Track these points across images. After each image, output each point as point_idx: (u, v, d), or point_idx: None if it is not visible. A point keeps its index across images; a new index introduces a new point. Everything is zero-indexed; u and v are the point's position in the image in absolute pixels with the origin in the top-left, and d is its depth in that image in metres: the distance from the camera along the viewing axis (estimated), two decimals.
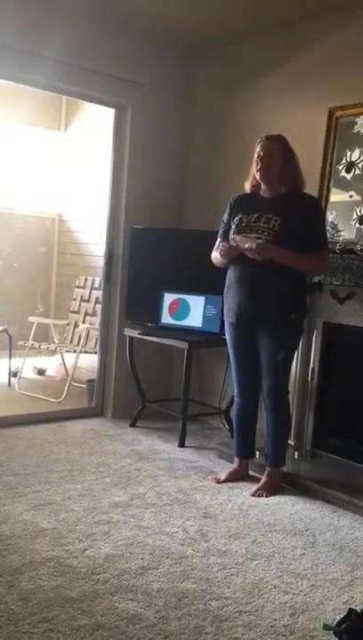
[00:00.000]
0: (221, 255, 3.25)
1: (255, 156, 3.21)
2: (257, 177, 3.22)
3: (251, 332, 3.26)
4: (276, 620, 2.14)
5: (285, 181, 3.20)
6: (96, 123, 5.81)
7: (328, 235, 3.69)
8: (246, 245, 3.08)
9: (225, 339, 3.64)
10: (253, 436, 3.48)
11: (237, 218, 3.24)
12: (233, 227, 3.23)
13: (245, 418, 3.45)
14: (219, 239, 3.36)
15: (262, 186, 3.24)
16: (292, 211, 3.13)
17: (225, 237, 3.29)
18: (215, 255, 3.35)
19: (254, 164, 3.21)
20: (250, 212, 3.20)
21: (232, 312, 3.27)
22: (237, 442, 3.50)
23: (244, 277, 3.19)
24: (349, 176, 3.68)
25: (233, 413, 3.56)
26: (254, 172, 3.22)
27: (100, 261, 4.83)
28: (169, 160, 4.61)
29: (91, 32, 4.07)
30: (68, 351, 5.18)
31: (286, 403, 3.35)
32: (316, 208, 3.27)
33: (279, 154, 3.17)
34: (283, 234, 3.08)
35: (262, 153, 3.18)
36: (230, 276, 3.28)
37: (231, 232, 3.24)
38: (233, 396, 4.19)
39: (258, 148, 3.20)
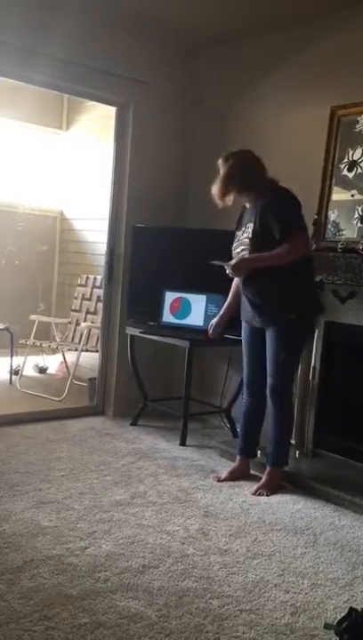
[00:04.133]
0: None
1: None
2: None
3: (260, 330, 3.30)
4: (277, 618, 2.14)
5: (247, 191, 3.22)
6: (98, 121, 5.82)
7: (330, 233, 3.71)
8: (227, 272, 3.23)
9: (226, 337, 3.66)
10: (257, 436, 3.49)
11: (236, 235, 3.34)
12: (233, 245, 3.34)
13: (251, 416, 3.46)
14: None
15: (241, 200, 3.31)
16: (258, 213, 3.17)
17: None
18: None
19: None
20: (241, 226, 3.31)
21: (243, 312, 3.38)
22: (241, 439, 3.51)
23: (244, 286, 3.30)
24: (351, 175, 3.67)
25: (240, 411, 3.57)
26: None
27: (101, 260, 4.83)
28: (171, 159, 4.61)
29: (93, 30, 4.07)
30: (69, 349, 5.18)
31: (288, 403, 3.35)
32: (275, 200, 3.17)
33: (222, 173, 3.22)
34: (256, 239, 3.15)
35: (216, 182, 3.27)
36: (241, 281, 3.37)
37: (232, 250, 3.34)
38: (235, 395, 4.21)
39: None
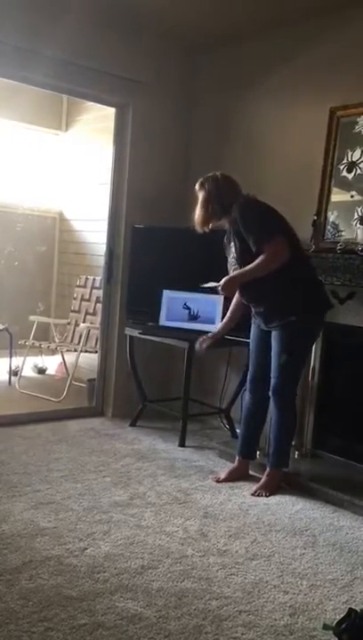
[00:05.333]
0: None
1: None
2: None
3: (267, 332, 3.33)
4: (276, 619, 2.14)
5: (226, 214, 3.25)
6: (97, 122, 5.81)
7: (329, 234, 3.71)
8: (219, 292, 3.31)
9: (226, 338, 3.66)
10: (257, 437, 3.49)
11: (228, 259, 3.38)
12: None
13: (252, 416, 3.46)
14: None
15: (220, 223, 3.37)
16: (234, 230, 3.23)
17: None
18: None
19: None
20: (228, 248, 3.37)
21: (252, 313, 3.42)
22: (241, 440, 3.51)
23: (242, 297, 3.37)
24: (350, 176, 3.67)
25: (242, 409, 3.57)
26: None
27: (100, 260, 4.83)
28: (170, 159, 4.61)
29: (92, 31, 4.07)
30: (68, 350, 5.18)
31: (291, 405, 3.33)
32: (239, 215, 3.19)
33: (203, 205, 3.29)
34: (242, 254, 3.19)
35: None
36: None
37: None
38: (235, 396, 4.21)
39: None
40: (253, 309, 3.36)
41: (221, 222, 3.32)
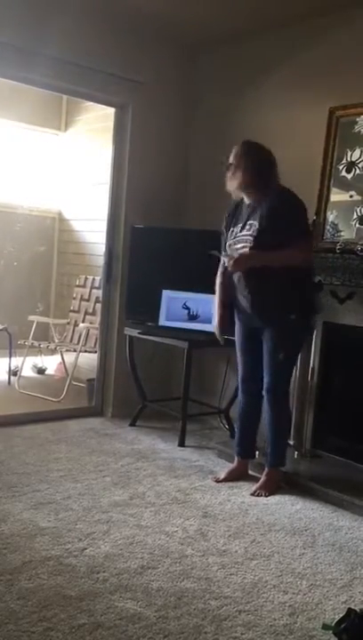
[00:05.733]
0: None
1: None
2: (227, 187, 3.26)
3: (257, 329, 3.29)
4: (275, 619, 2.14)
5: (254, 185, 3.20)
6: (96, 122, 5.81)
7: (328, 234, 3.71)
8: (225, 264, 3.19)
9: (226, 338, 3.64)
10: (254, 436, 3.49)
11: (230, 232, 3.30)
12: (228, 241, 3.29)
13: (247, 416, 3.45)
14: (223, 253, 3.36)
15: (242, 194, 3.27)
16: (263, 211, 3.14)
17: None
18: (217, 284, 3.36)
19: None
20: (238, 222, 3.27)
21: (238, 310, 3.32)
22: (238, 441, 3.50)
23: (240, 283, 3.23)
24: (349, 176, 3.68)
25: (237, 412, 3.56)
26: None
27: (100, 260, 4.83)
28: (169, 159, 4.61)
29: (91, 31, 4.07)
30: (68, 350, 5.18)
31: (286, 403, 3.35)
32: (284, 200, 3.15)
33: (238, 161, 3.19)
34: (261, 237, 3.11)
35: (228, 163, 3.22)
36: (236, 280, 3.29)
37: (227, 246, 3.29)
38: (234, 396, 4.20)
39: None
40: (244, 302, 3.24)
41: (244, 192, 3.22)
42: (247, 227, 3.18)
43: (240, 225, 3.23)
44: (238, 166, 3.19)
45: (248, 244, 3.15)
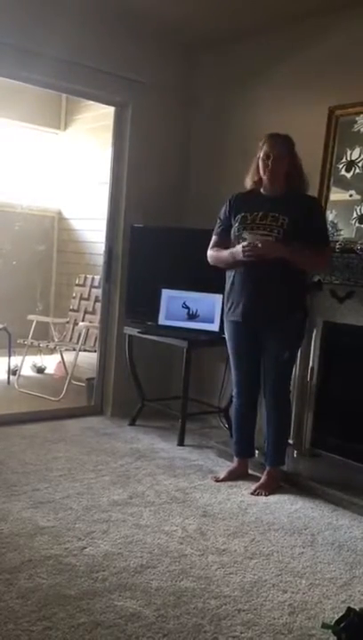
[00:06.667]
0: (246, 256, 3.09)
1: (262, 154, 3.17)
2: (264, 177, 3.20)
3: (254, 331, 3.27)
4: (274, 618, 2.14)
5: (289, 182, 3.21)
6: (96, 121, 5.81)
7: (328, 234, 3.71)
8: (255, 243, 3.06)
9: (224, 338, 3.63)
10: (252, 436, 3.48)
11: (239, 216, 3.22)
12: (236, 224, 3.22)
13: (244, 417, 3.44)
14: (215, 237, 3.36)
15: (265, 184, 3.23)
16: (296, 210, 3.14)
17: (223, 236, 3.30)
18: (216, 255, 3.31)
19: (261, 163, 3.18)
20: (253, 209, 3.19)
21: (238, 310, 3.23)
22: (237, 441, 3.49)
23: (248, 277, 3.18)
24: (349, 175, 3.68)
25: (232, 413, 3.55)
26: (261, 171, 3.19)
27: (99, 259, 4.83)
28: (169, 158, 4.61)
29: (91, 30, 4.07)
30: (67, 349, 5.18)
31: (287, 403, 3.36)
32: (317, 207, 3.35)
33: (287, 156, 3.18)
34: (291, 232, 3.10)
35: (271, 154, 3.15)
36: (234, 277, 3.26)
37: (234, 230, 3.22)
38: (232, 396, 4.20)
39: (266, 148, 3.16)
40: (249, 299, 3.17)
41: (269, 185, 3.19)
42: (272, 217, 3.12)
43: (259, 213, 3.15)
44: (289, 156, 3.18)
45: (275, 234, 3.09)
